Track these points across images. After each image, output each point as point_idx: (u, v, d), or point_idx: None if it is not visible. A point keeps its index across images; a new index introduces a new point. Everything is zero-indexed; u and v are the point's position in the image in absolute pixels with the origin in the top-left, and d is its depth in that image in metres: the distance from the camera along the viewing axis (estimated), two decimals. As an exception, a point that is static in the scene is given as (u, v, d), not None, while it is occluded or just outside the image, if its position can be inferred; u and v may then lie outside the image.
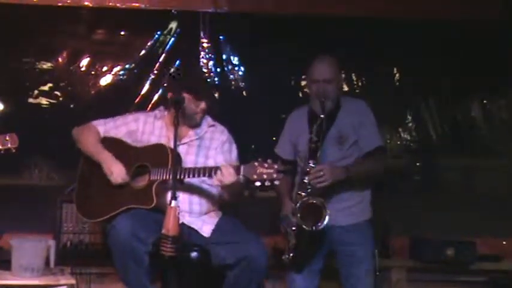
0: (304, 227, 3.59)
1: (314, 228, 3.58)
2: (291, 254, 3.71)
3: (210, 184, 3.70)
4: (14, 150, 3.57)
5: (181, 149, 3.71)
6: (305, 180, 3.63)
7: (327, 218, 3.55)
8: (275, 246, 4.19)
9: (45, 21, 4.78)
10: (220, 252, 3.52)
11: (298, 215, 3.59)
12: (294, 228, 3.67)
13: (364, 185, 3.84)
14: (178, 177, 3.49)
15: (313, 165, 3.61)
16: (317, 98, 3.75)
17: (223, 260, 3.50)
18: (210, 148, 3.78)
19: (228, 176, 3.41)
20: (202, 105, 3.75)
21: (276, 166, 3.36)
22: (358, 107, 3.89)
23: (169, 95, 3.75)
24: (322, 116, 3.70)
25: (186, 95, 3.68)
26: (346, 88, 4.82)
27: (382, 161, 3.86)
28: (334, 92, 3.80)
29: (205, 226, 3.65)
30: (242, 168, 3.42)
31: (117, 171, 3.62)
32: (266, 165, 3.35)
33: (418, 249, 4.60)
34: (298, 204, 3.61)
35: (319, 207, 3.58)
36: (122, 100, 4.84)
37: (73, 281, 3.89)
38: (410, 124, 5.07)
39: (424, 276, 4.65)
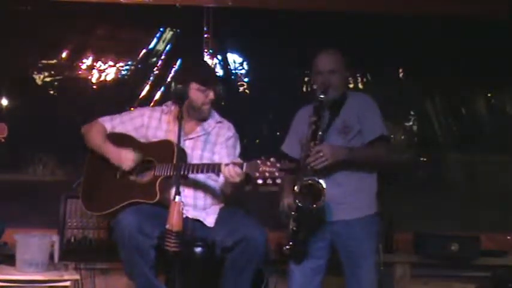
0: (300, 205, 3.56)
1: (311, 206, 3.55)
2: (290, 243, 3.67)
3: (215, 180, 3.73)
4: (2, 140, 3.61)
5: (188, 144, 3.73)
6: (307, 164, 3.60)
7: (324, 197, 3.52)
8: (279, 242, 4.18)
9: (48, 17, 4.78)
10: (220, 236, 3.53)
11: (297, 196, 3.57)
12: (293, 212, 3.64)
13: (368, 178, 3.82)
14: (182, 173, 3.50)
15: (313, 148, 3.60)
16: (322, 89, 3.76)
17: (222, 243, 3.51)
18: (216, 143, 3.79)
19: (235, 176, 3.41)
20: (211, 95, 3.74)
21: (278, 165, 3.33)
22: (363, 99, 3.91)
23: (178, 86, 3.73)
24: (321, 96, 3.70)
25: (193, 85, 3.68)
26: (351, 85, 4.83)
27: (385, 149, 3.82)
28: (338, 82, 3.79)
29: (209, 217, 3.68)
30: (245, 165, 3.41)
31: (125, 156, 3.65)
32: (269, 163, 3.33)
33: (422, 244, 4.59)
34: (296, 187, 3.59)
35: (317, 188, 3.54)
36: (125, 95, 4.84)
37: (77, 277, 3.89)
38: (414, 119, 5.06)
39: (428, 272, 4.65)
